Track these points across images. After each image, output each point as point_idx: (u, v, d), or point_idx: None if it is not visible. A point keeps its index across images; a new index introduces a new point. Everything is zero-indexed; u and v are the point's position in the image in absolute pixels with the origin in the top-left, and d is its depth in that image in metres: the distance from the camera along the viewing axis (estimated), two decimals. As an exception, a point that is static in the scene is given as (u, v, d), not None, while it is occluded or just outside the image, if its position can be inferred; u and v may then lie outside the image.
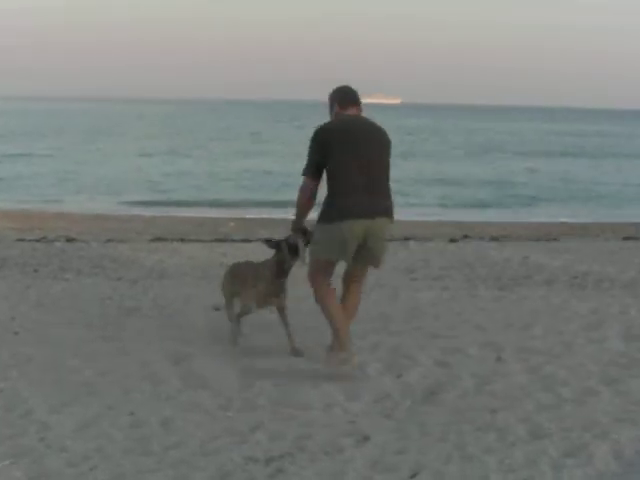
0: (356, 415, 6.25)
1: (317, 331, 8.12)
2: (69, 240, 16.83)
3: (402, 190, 33.87)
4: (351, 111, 7.33)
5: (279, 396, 6.64)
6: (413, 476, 5.25)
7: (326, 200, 7.17)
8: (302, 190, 7.22)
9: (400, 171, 42.77)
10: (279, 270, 7.66)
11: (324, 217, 7.17)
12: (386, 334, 8.50)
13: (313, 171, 7.14)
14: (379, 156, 7.25)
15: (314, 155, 7.15)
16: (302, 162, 7.23)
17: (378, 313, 9.43)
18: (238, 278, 8.15)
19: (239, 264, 8.50)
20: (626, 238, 18.85)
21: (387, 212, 7.37)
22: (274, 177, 37.71)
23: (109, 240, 16.85)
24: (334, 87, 7.44)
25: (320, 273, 7.31)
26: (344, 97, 7.35)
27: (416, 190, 34.20)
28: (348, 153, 7.06)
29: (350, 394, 6.67)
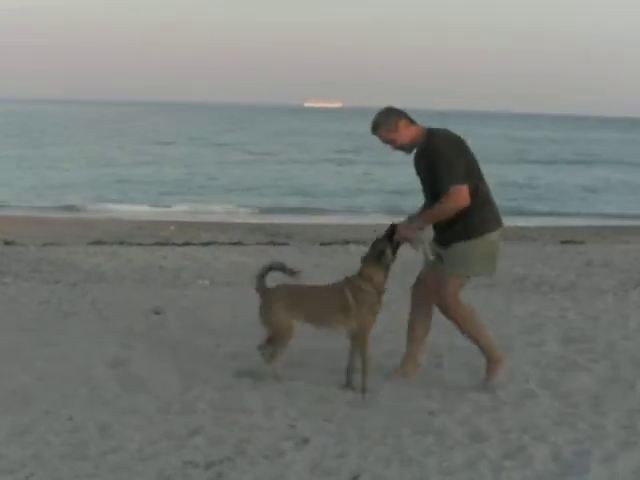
0: (296, 418, 6.25)
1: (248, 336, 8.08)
2: (7, 243, 16.61)
3: (346, 193, 34.06)
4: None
5: (219, 400, 6.61)
6: (353, 479, 5.26)
7: (470, 212, 6.73)
8: (460, 199, 6.63)
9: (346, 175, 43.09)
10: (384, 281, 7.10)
11: (475, 231, 6.82)
12: (326, 338, 8.43)
13: (464, 179, 6.68)
14: None
15: (460, 163, 6.68)
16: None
17: (318, 317, 9.42)
18: (317, 302, 7.09)
19: (298, 289, 7.20)
20: (564, 242, 19.08)
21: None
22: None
23: (47, 243, 16.66)
24: (385, 109, 6.94)
25: (458, 292, 7.07)
26: (407, 114, 6.92)
27: (357, 194, 34.31)
28: (477, 161, 6.90)
29: (291, 397, 6.67)
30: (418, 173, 7.00)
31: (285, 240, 18.50)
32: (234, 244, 17.27)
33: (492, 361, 7.05)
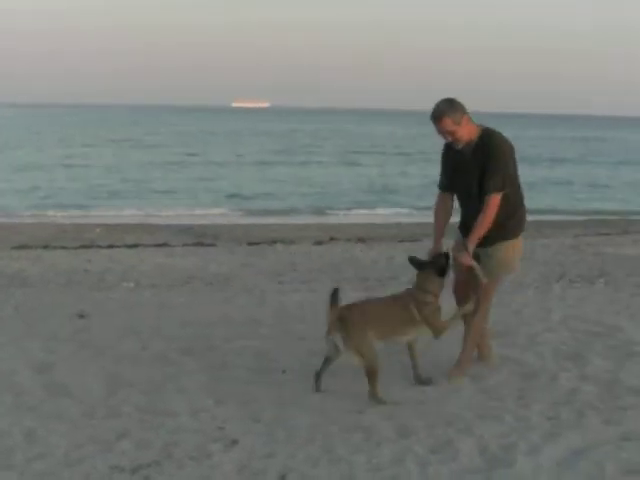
0: (224, 420, 6.21)
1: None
2: None
3: (275, 193, 34.04)
4: None
5: (146, 403, 6.55)
6: (281, 479, 5.26)
7: (511, 214, 6.93)
8: (495, 207, 6.79)
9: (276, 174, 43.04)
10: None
11: (514, 232, 7.05)
12: (253, 338, 8.48)
13: (503, 187, 6.81)
14: None
15: (508, 169, 6.83)
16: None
17: (245, 317, 9.43)
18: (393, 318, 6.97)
19: (368, 308, 7.00)
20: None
21: None
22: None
23: (-31, 248, 16.36)
24: (450, 100, 6.84)
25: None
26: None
27: (283, 193, 34.33)
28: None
29: (217, 399, 6.63)
30: (456, 170, 7.00)
31: (212, 241, 18.42)
32: (160, 246, 17.15)
33: (465, 360, 7.30)
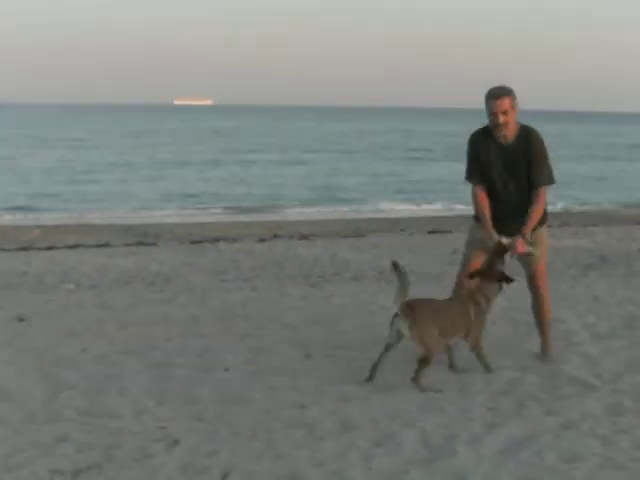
0: (166, 420, 6.17)
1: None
2: None
3: (216, 192, 33.91)
4: None
5: (87, 406, 6.47)
6: (224, 477, 5.24)
7: (545, 203, 7.35)
8: (545, 197, 7.31)
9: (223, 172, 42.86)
10: None
11: (546, 217, 7.51)
12: (194, 337, 8.44)
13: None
14: None
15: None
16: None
17: (187, 316, 9.39)
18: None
19: (435, 304, 7.12)
20: (431, 232, 19.42)
21: None
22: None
23: None
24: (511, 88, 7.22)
25: None
26: None
27: (225, 191, 34.24)
28: None
29: (159, 399, 6.59)
30: (494, 164, 7.23)
31: (154, 240, 18.29)
32: (101, 246, 16.98)
33: (547, 337, 7.73)
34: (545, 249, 7.58)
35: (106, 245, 17.18)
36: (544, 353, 7.66)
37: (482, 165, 7.27)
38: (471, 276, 7.25)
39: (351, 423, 6.04)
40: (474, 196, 7.38)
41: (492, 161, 7.23)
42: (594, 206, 30.28)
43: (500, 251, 7.17)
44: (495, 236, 7.20)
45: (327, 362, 7.54)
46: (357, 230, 20.27)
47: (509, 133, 7.13)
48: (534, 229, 7.27)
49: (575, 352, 7.77)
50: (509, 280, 7.22)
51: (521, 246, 7.14)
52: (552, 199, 32.71)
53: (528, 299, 9.92)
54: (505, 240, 7.14)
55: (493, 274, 7.17)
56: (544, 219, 7.42)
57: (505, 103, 7.04)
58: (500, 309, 9.46)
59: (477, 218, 7.45)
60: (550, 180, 7.27)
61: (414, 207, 29.78)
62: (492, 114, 7.09)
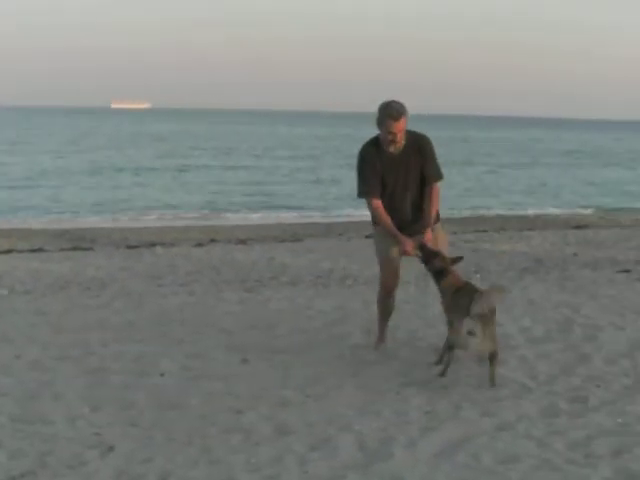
0: (101, 426, 6.10)
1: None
2: None
3: (153, 197, 33.63)
4: None
5: (20, 412, 6.36)
6: (160, 483, 5.19)
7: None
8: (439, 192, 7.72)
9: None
10: None
11: (438, 214, 7.84)
12: (130, 342, 8.35)
13: None
14: None
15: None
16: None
17: (122, 321, 9.28)
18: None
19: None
20: (368, 236, 19.46)
21: None
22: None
23: None
24: (401, 103, 7.38)
25: None
26: None
27: (162, 196, 34.00)
28: None
29: (94, 405, 6.50)
30: (388, 172, 7.47)
31: (90, 245, 18.10)
32: (35, 251, 16.74)
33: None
34: (446, 244, 7.87)
35: (40, 250, 16.95)
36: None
37: (379, 177, 7.50)
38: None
39: (287, 428, 6.02)
40: (375, 210, 7.59)
41: (388, 171, 7.48)
42: (531, 210, 30.60)
43: (428, 251, 7.40)
44: (411, 241, 7.46)
45: (264, 367, 7.50)
46: (294, 235, 20.27)
47: (401, 145, 7.43)
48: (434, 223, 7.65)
49: (511, 355, 7.83)
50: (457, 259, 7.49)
51: (430, 237, 7.47)
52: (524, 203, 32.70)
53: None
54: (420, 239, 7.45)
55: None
56: (437, 216, 7.74)
57: (402, 123, 7.30)
58: (437, 313, 9.51)
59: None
60: (441, 176, 7.59)
61: (353, 212, 29.81)
62: (390, 133, 7.32)
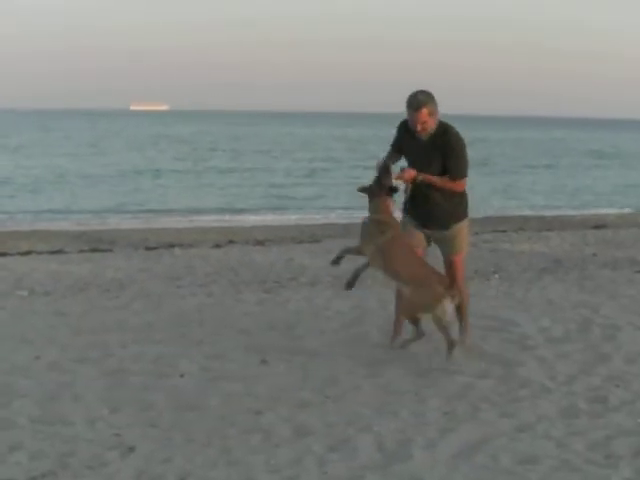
0: (120, 427, 6.12)
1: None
2: None
3: (173, 197, 33.70)
4: None
5: (40, 413, 6.39)
6: (178, 483, 5.22)
7: (460, 200, 7.91)
8: (461, 187, 7.78)
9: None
10: None
11: (465, 214, 8.02)
12: (149, 343, 8.36)
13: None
14: None
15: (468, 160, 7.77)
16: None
17: (141, 322, 9.29)
18: None
19: None
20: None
21: None
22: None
23: None
24: (427, 93, 7.55)
25: None
26: None
27: (181, 197, 34.08)
28: None
29: (113, 406, 6.52)
30: (409, 152, 7.76)
31: (109, 247, 18.14)
32: (54, 253, 16.79)
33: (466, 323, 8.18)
34: (466, 243, 8.11)
35: (60, 252, 17.00)
36: (462, 340, 7.90)
37: (402, 151, 7.83)
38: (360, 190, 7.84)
39: (306, 429, 6.04)
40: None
41: (410, 151, 7.73)
42: (549, 211, 30.48)
43: (387, 170, 7.64)
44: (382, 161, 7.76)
45: (283, 368, 7.51)
46: (312, 236, 20.26)
47: (427, 132, 7.57)
48: (449, 226, 7.87)
49: (530, 355, 7.83)
50: (395, 190, 7.72)
51: (410, 173, 7.56)
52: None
53: (483, 303, 10.02)
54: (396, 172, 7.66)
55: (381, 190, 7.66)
56: (460, 216, 7.91)
57: (423, 114, 7.44)
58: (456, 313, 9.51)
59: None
60: (461, 174, 7.67)
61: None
62: (411, 122, 7.55)
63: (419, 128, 7.51)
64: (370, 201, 7.77)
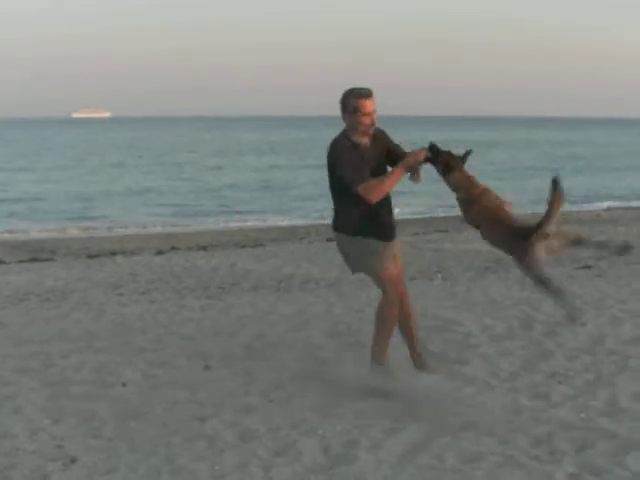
0: (63, 438, 6.04)
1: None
2: None
3: (113, 205, 33.45)
4: None
5: (-20, 426, 6.30)
6: (122, 494, 5.15)
7: None
8: None
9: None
10: None
11: None
12: (91, 352, 8.26)
13: None
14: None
15: None
16: None
17: (82, 331, 9.19)
18: None
19: None
20: (330, 239, 19.47)
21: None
22: None
23: None
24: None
25: None
26: None
27: (122, 204, 33.83)
28: None
29: (55, 417, 6.44)
30: (366, 165, 6.78)
31: (49, 256, 17.96)
32: (-7, 263, 16.60)
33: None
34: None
35: (-1, 262, 16.79)
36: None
37: (365, 166, 6.83)
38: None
39: (251, 434, 6.00)
40: (371, 188, 6.70)
41: (366, 163, 6.81)
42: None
43: (436, 149, 6.88)
44: (417, 150, 6.82)
45: (227, 373, 7.46)
46: (256, 240, 20.23)
47: (371, 131, 6.87)
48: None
49: (473, 353, 7.86)
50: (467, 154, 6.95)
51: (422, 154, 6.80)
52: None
53: (427, 303, 10.06)
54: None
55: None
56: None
57: (374, 102, 6.79)
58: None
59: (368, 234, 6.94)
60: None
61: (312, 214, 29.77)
62: (366, 115, 6.75)
63: (370, 121, 6.75)
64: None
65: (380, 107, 6.83)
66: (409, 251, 16.05)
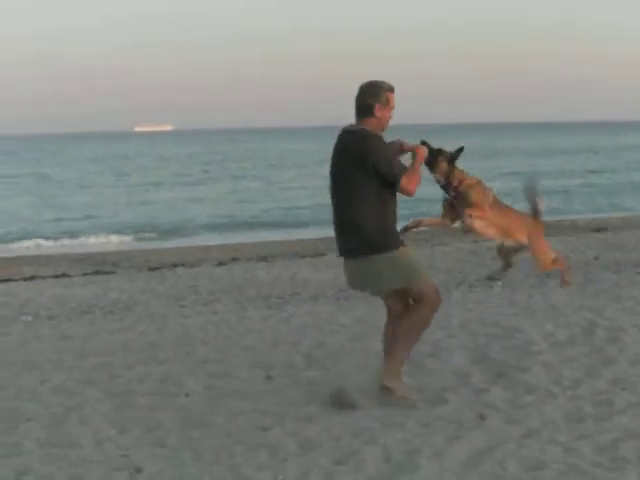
0: (128, 448, 6.13)
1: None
2: None
3: (174, 217, 33.72)
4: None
5: (47, 437, 6.40)
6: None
7: None
8: None
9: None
10: None
11: None
12: (155, 363, 8.37)
13: None
14: (340, 174, 6.61)
15: None
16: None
17: (146, 343, 9.31)
18: None
19: None
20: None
21: (352, 253, 6.65)
22: None
23: None
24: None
25: None
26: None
27: (182, 216, 34.08)
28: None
29: (121, 427, 6.54)
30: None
31: (112, 268, 18.17)
32: (58, 277, 16.82)
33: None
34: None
35: (64, 275, 17.02)
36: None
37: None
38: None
39: (313, 443, 6.04)
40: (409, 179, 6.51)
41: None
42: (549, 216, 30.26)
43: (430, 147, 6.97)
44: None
45: (288, 383, 7.51)
46: (315, 249, 20.25)
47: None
48: None
49: (534, 361, 7.82)
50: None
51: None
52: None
53: (487, 311, 10.02)
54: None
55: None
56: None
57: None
58: (460, 322, 9.51)
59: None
60: None
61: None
62: (393, 109, 6.62)
63: (390, 116, 6.61)
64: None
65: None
66: (470, 259, 16.01)
